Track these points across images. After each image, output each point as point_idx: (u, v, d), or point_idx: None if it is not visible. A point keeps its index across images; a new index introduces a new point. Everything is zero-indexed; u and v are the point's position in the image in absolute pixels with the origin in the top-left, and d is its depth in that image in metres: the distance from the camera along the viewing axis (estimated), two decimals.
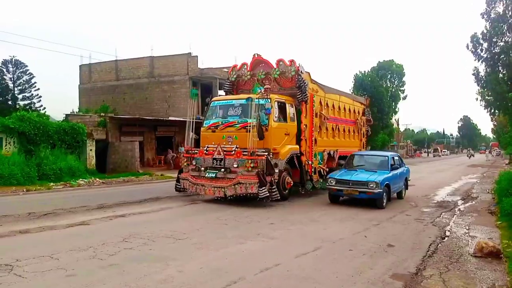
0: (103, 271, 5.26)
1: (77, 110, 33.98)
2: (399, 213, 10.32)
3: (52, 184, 15.74)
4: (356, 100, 16.66)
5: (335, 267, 5.69)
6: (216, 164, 11.09)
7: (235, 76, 13.46)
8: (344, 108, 15.67)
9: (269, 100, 11.23)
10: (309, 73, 12.99)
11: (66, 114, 26.18)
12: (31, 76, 38.59)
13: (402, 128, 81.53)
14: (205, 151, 11.37)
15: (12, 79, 37.99)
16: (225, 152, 11.00)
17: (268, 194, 10.43)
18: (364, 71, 52.99)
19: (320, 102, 13.77)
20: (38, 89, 38.85)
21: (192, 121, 11.77)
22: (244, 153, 10.70)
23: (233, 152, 10.85)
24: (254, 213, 9.77)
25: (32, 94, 38.61)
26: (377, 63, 59.10)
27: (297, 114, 12.63)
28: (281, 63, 12.65)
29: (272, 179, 10.81)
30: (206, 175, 11.09)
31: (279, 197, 10.89)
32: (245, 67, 13.31)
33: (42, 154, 16.99)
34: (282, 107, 11.98)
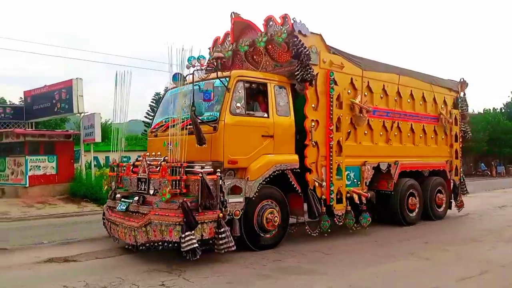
0: (258, 281, 5.38)
1: None
2: None
3: None
4: (437, 84, 10.64)
5: None
6: (141, 188, 6.80)
7: (215, 53, 9.03)
8: (412, 96, 9.91)
9: (225, 79, 6.61)
10: (320, 35, 7.92)
11: None
12: None
13: None
14: (131, 168, 7.17)
15: None
16: (150, 169, 6.64)
17: (196, 245, 5.73)
18: None
19: (353, 85, 8.48)
20: None
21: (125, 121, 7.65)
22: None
23: (159, 168, 6.43)
24: (403, 230, 9.04)
25: None
26: None
27: (299, 104, 7.70)
28: (270, 23, 7.82)
29: (221, 215, 6.10)
30: (118, 207, 6.86)
31: (232, 247, 6.12)
32: (229, 38, 8.79)
33: None
34: (257, 92, 7.19)
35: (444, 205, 10.61)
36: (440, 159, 10.65)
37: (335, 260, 6.49)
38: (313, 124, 7.63)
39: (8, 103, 27.11)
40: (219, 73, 6.74)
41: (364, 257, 6.67)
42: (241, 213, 6.52)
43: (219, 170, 6.27)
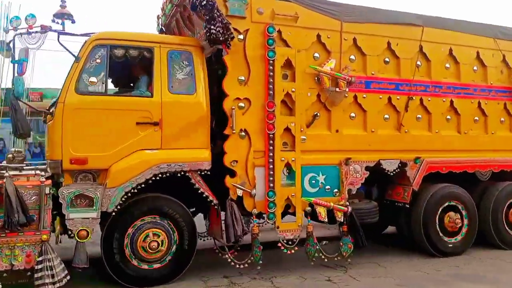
0: (432, 285, 5.03)
1: None
2: None
3: None
4: (509, 38, 6.85)
5: None
6: None
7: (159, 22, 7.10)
8: (454, 58, 6.49)
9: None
10: None
11: None
12: None
13: None
14: None
15: None
16: None
17: None
18: None
19: (322, 44, 5.69)
20: None
21: None
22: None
23: None
24: None
25: None
26: None
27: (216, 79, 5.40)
28: None
29: (45, 237, 4.30)
30: None
31: (49, 285, 4.22)
32: None
33: None
34: (143, 61, 5.11)
35: None
36: None
37: None
38: (240, 104, 5.21)
39: None
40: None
41: None
42: (90, 234, 4.57)
43: (43, 174, 4.48)
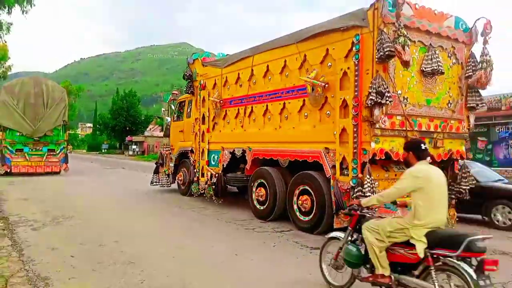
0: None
1: None
2: None
3: None
4: (306, 38, 7.25)
5: None
6: None
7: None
8: (270, 71, 8.45)
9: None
10: (197, 59, 11.10)
11: None
12: None
13: None
14: None
15: None
16: None
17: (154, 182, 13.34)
18: None
19: (215, 84, 10.35)
20: None
21: None
22: None
23: None
24: None
25: None
26: None
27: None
28: None
29: (164, 169, 13.06)
30: None
31: (161, 184, 12.99)
32: None
33: None
34: (181, 106, 12.40)
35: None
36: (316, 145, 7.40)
37: None
38: (195, 120, 11.31)
39: None
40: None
41: None
42: (171, 170, 12.70)
43: (168, 149, 13.12)
